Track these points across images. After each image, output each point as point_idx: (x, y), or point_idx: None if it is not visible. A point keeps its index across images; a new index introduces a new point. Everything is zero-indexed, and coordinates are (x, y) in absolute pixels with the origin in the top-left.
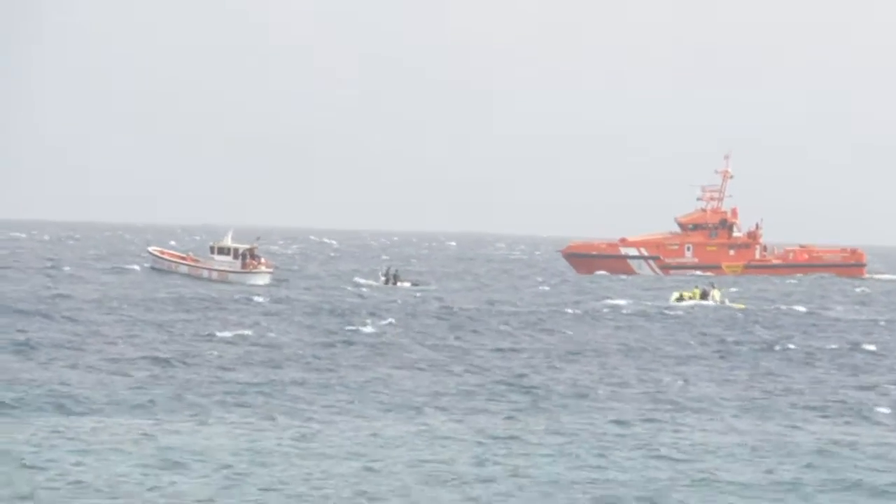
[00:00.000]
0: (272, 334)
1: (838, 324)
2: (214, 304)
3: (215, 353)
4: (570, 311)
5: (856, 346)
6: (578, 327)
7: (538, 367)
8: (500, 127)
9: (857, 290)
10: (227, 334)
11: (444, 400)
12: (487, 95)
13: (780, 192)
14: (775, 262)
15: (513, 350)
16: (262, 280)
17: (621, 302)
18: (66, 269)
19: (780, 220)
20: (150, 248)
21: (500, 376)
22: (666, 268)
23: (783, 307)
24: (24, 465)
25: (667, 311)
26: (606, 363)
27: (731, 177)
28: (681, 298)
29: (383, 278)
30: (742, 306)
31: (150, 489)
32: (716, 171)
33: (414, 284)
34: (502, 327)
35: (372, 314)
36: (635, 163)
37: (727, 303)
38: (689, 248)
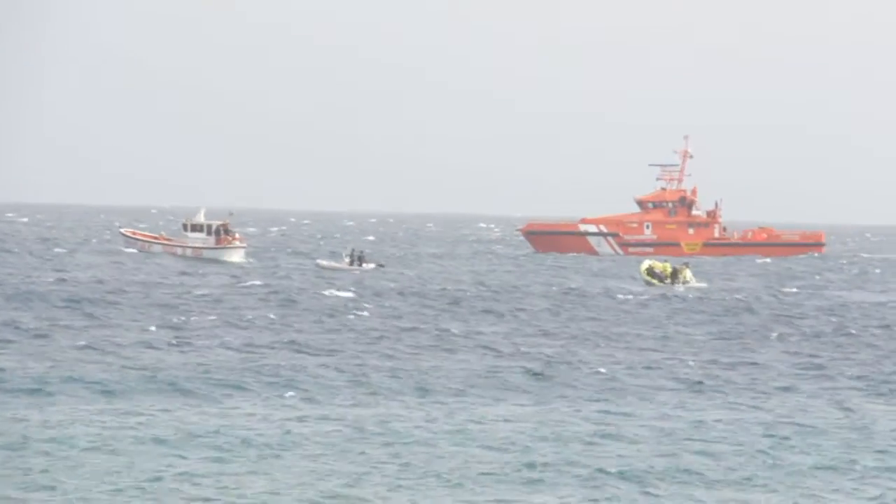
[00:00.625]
0: (272, 316)
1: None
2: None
3: (228, 338)
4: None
5: None
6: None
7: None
8: (477, 110)
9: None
10: (249, 315)
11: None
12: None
13: (747, 173)
14: (734, 240)
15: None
16: (237, 256)
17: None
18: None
19: (751, 201)
20: (122, 230)
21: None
22: (625, 245)
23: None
24: (72, 448)
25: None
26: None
27: (691, 157)
28: (651, 271)
29: (347, 259)
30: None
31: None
32: (674, 152)
33: (379, 266)
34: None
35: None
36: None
37: (694, 283)
38: (648, 226)
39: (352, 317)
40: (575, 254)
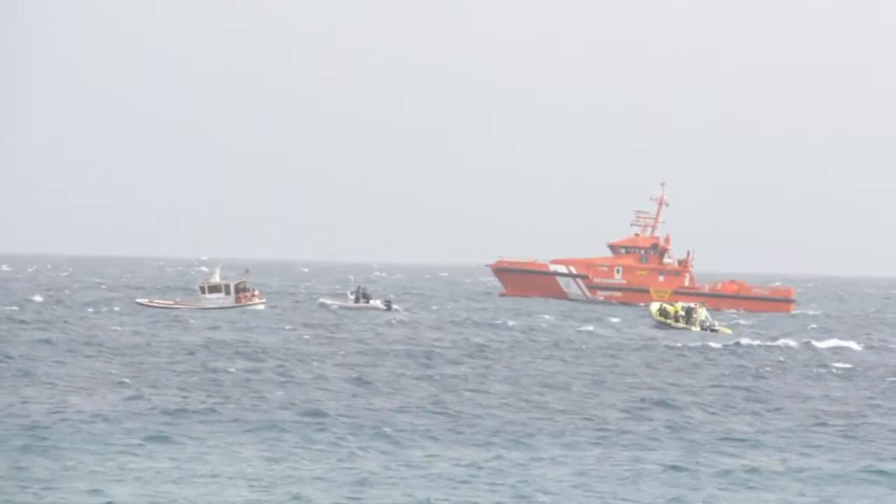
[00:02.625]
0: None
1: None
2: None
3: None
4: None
5: None
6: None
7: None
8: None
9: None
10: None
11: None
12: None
13: (722, 221)
14: (704, 291)
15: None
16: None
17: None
18: (116, 308)
19: (722, 250)
20: (138, 300)
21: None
22: (594, 288)
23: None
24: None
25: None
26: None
27: (667, 204)
28: (663, 311)
29: (352, 297)
30: (729, 331)
31: None
32: (651, 199)
33: (386, 303)
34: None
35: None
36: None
37: (716, 325)
38: (618, 271)
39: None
40: (543, 297)
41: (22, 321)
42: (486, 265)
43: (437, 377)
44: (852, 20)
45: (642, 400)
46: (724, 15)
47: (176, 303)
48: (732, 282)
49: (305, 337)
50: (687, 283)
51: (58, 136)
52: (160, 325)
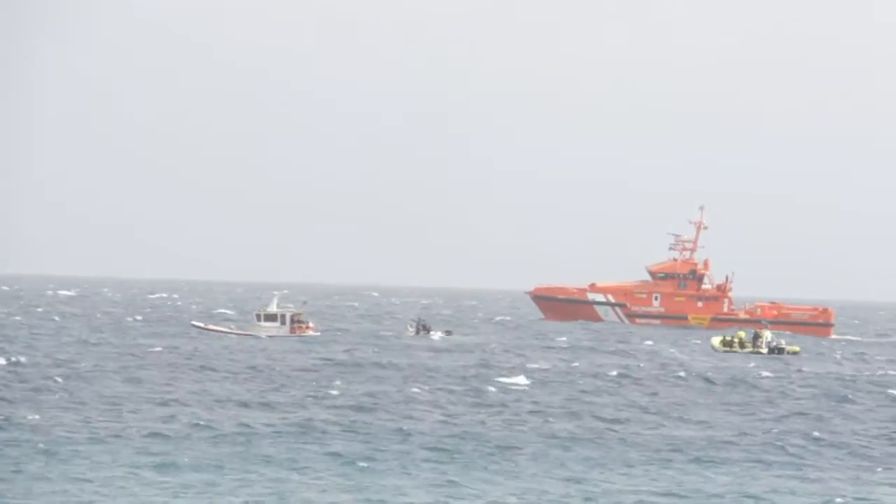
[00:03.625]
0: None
1: None
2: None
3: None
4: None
5: None
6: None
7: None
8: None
9: None
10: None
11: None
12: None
13: (761, 244)
14: (743, 316)
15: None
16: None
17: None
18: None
19: (760, 272)
20: (193, 322)
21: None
22: (632, 316)
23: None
24: None
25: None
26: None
27: (706, 228)
28: (727, 343)
29: (412, 330)
30: (797, 349)
31: None
32: (690, 222)
33: (447, 333)
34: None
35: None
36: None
37: (783, 344)
38: (656, 298)
39: None
40: (583, 321)
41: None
42: (526, 293)
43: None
44: None
45: None
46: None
47: (231, 329)
48: (772, 304)
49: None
50: (726, 309)
51: (70, 159)
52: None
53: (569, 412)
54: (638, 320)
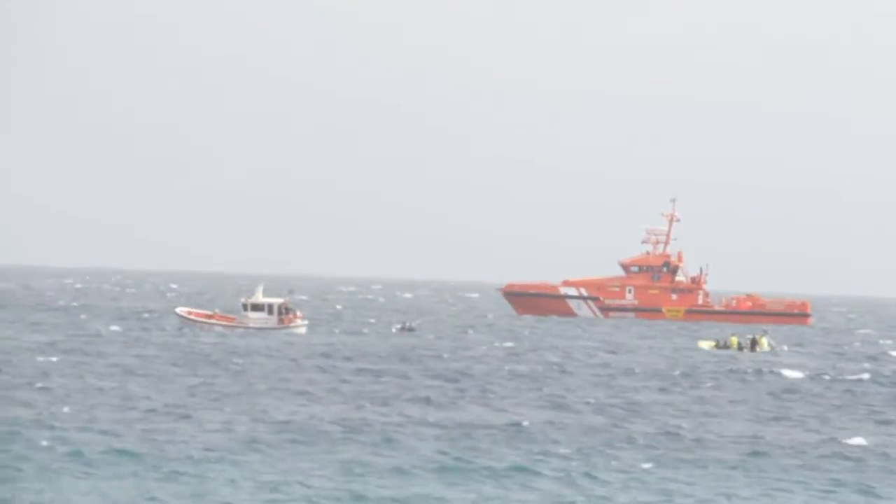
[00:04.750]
0: None
1: None
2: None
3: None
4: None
5: None
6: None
7: None
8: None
9: None
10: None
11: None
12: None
13: (734, 237)
14: (718, 308)
15: None
16: (300, 333)
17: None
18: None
19: (736, 266)
20: (178, 309)
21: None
22: (605, 309)
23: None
24: None
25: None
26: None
27: (678, 220)
28: (724, 348)
29: (397, 328)
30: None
31: None
32: (662, 215)
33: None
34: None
35: None
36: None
37: (785, 349)
38: (630, 291)
39: None
40: (557, 316)
41: None
42: (497, 289)
43: None
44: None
45: None
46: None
47: (215, 316)
48: (747, 297)
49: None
50: (700, 301)
51: (52, 150)
52: None
53: None
54: (611, 314)
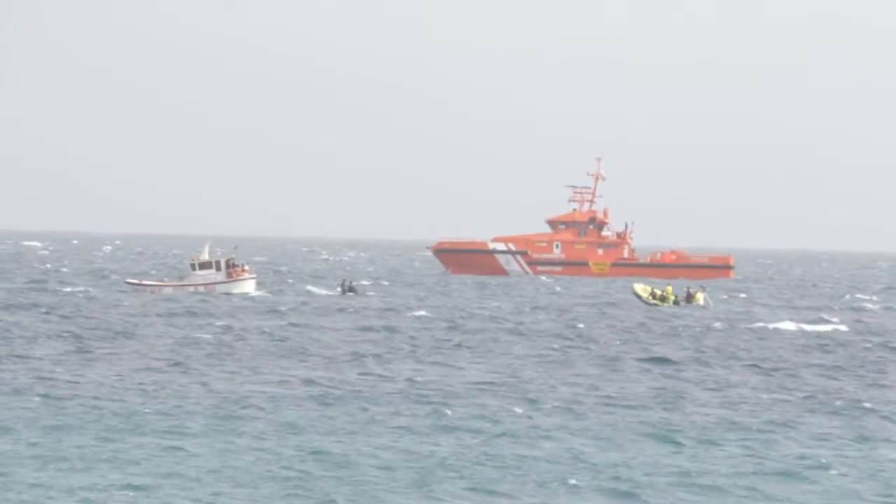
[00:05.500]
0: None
1: None
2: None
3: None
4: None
5: None
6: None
7: None
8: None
9: None
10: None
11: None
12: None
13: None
14: (643, 261)
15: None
16: (249, 287)
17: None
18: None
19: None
20: (127, 280)
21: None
22: (534, 264)
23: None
24: None
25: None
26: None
27: (603, 179)
28: (658, 297)
29: (339, 290)
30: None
31: None
32: (588, 174)
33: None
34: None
35: None
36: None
37: (711, 305)
38: (557, 246)
39: None
40: (487, 275)
41: None
42: (427, 247)
43: None
44: None
45: None
46: None
47: (164, 282)
48: (672, 251)
49: None
50: (626, 255)
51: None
52: None
53: None
54: (539, 268)
